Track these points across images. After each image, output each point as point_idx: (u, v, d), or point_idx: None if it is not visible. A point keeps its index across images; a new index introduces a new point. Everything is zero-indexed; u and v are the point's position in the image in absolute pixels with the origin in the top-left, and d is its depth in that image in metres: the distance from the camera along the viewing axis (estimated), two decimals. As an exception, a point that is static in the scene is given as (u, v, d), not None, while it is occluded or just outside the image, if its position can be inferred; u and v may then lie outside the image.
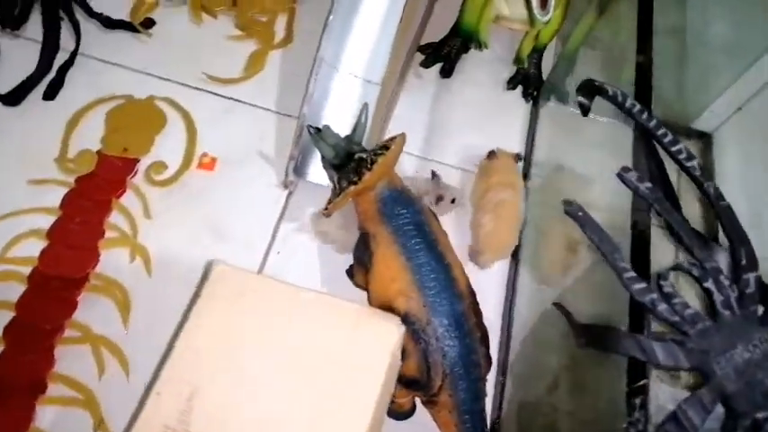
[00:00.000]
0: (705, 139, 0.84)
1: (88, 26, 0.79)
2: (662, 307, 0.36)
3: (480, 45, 0.74)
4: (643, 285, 0.36)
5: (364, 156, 0.58)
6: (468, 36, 0.81)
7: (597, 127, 0.78)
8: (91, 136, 0.72)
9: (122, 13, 0.81)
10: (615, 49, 0.75)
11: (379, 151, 0.58)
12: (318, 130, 0.65)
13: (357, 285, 0.65)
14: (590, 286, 0.61)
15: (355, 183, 0.56)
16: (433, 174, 0.71)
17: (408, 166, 0.76)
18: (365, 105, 0.62)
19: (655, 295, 0.36)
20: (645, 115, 0.42)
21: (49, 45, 0.75)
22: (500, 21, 0.72)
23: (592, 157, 0.75)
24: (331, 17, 0.67)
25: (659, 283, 0.37)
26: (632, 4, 0.69)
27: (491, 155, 0.72)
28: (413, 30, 0.77)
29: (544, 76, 0.84)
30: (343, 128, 0.68)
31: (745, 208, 0.68)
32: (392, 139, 0.60)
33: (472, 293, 0.56)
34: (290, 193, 0.73)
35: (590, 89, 0.45)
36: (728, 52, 0.76)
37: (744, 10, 0.73)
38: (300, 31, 0.84)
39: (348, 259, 0.67)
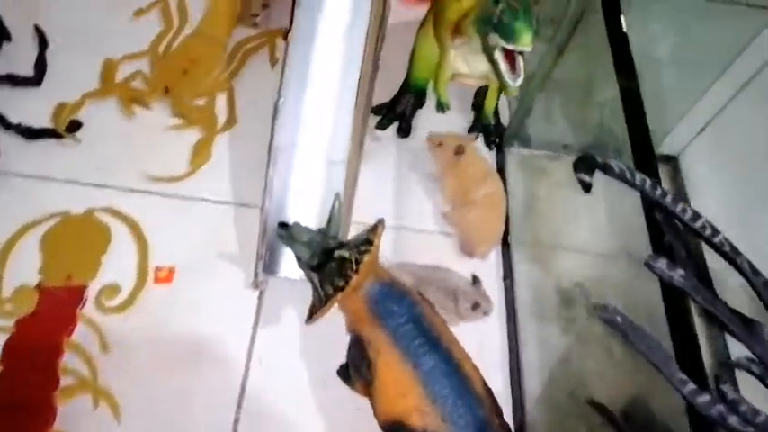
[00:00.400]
0: (672, 162, 0.83)
1: (6, 140, 0.70)
2: (732, 419, 0.32)
3: (442, 107, 0.70)
4: (707, 398, 0.32)
5: (346, 255, 0.52)
6: (421, 91, 0.77)
7: (565, 165, 0.76)
8: (27, 267, 0.63)
9: (44, 120, 0.73)
10: (573, 88, 0.73)
11: (363, 248, 0.52)
12: (286, 226, 0.59)
13: (354, 390, 0.59)
14: (599, 346, 0.58)
15: (342, 288, 0.51)
16: (475, 278, 0.68)
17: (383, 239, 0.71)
18: (336, 195, 0.57)
19: (721, 407, 0.32)
20: (658, 191, 0.39)
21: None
22: (457, 78, 0.69)
23: (566, 197, 0.73)
24: (281, 100, 0.62)
25: (720, 389, 0.33)
26: (586, 43, 0.67)
27: (458, 150, 0.71)
28: (364, 93, 0.73)
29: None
30: (312, 215, 0.62)
31: (720, 224, 0.67)
32: (373, 230, 0.55)
33: (489, 391, 0.51)
34: (261, 293, 0.66)
35: (589, 165, 0.42)
36: (685, 75, 0.76)
37: (694, 31, 0.72)
38: (244, 109, 0.78)
39: (336, 355, 0.61)
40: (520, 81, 0.56)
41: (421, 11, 0.77)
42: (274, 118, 0.62)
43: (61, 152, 0.71)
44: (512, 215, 0.74)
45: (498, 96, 0.69)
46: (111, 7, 0.84)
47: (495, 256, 0.72)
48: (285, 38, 0.83)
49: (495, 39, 0.55)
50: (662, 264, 0.36)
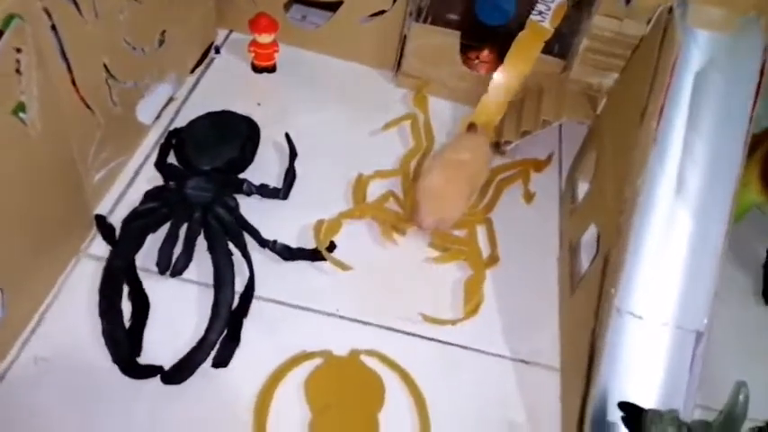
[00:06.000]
0: None
1: (259, 259, 0.61)
2: None
3: None
4: None
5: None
6: None
7: None
8: (291, 417, 0.52)
9: (289, 237, 0.64)
10: None
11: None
12: (636, 410, 0.47)
13: None
14: None
15: None
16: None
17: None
18: (741, 384, 0.45)
19: None
20: None
21: (224, 292, 0.56)
22: None
23: None
24: (626, 255, 0.52)
25: None
26: None
27: (470, 126, 0.72)
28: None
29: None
30: (653, 397, 0.50)
31: None
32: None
33: None
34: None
35: None
36: None
37: None
38: (502, 247, 0.68)
39: None
40: None
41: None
42: (616, 274, 0.52)
43: (315, 277, 0.62)
44: None
45: None
46: (353, 121, 0.79)
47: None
48: (539, 170, 0.77)
49: None
50: None
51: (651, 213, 0.53)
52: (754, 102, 0.54)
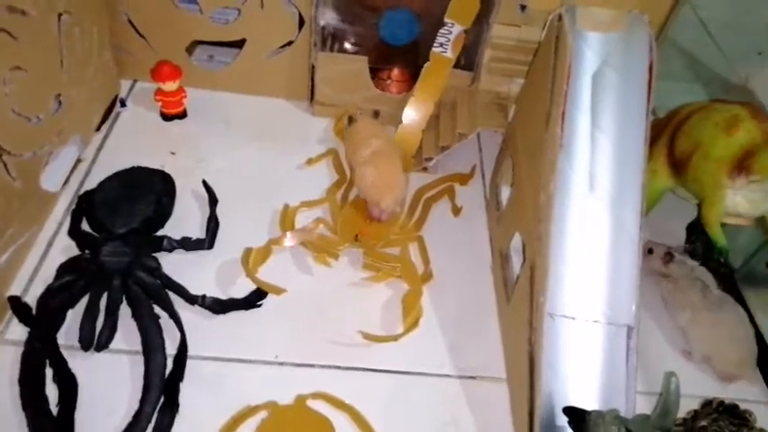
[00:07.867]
0: None
1: (187, 317, 0.59)
2: None
3: (721, 253, 0.61)
4: None
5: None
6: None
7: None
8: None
9: (211, 288, 0.63)
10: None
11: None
12: (579, 412, 0.48)
13: None
14: None
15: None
16: None
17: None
18: (671, 374, 0.46)
19: None
20: None
21: (155, 359, 0.54)
22: (726, 218, 0.61)
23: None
24: (550, 261, 0.53)
25: None
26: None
27: (350, 120, 0.76)
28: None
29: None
30: (592, 396, 0.52)
31: None
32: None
33: None
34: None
35: None
36: None
37: None
38: (434, 262, 0.69)
39: None
40: None
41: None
42: (542, 283, 0.53)
43: (249, 326, 0.60)
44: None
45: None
46: (274, 157, 0.78)
47: None
48: (464, 183, 0.78)
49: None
50: None
51: (567, 216, 0.54)
52: (649, 94, 0.56)
